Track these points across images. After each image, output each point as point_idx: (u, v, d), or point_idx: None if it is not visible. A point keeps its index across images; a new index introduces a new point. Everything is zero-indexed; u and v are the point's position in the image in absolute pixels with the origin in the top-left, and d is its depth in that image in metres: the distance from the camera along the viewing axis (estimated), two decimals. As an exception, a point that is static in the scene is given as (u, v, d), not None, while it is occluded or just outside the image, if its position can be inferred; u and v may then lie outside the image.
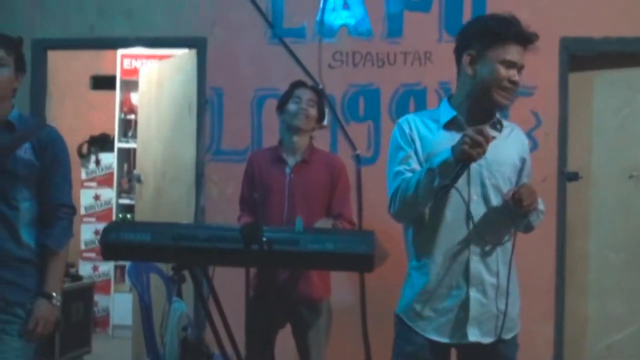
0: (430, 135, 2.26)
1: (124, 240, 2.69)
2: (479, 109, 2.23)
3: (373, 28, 4.40)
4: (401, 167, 2.24)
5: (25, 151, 2.51)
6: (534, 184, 4.09)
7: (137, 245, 2.68)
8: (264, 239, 2.55)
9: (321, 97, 3.37)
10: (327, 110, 3.89)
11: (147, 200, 5.14)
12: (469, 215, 2.19)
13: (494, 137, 2.09)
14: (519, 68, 2.19)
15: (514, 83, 2.17)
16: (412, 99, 4.34)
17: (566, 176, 4.36)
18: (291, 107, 3.20)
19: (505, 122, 2.34)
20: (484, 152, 2.03)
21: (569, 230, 4.31)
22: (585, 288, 4.33)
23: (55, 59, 4.90)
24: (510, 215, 2.20)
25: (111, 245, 2.70)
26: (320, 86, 4.22)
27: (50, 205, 2.57)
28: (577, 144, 4.39)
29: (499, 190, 2.21)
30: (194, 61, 4.54)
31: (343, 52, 4.42)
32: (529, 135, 4.32)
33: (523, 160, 2.32)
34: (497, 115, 2.29)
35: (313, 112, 3.21)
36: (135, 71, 6.31)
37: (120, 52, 6.49)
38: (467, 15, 4.33)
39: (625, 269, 4.28)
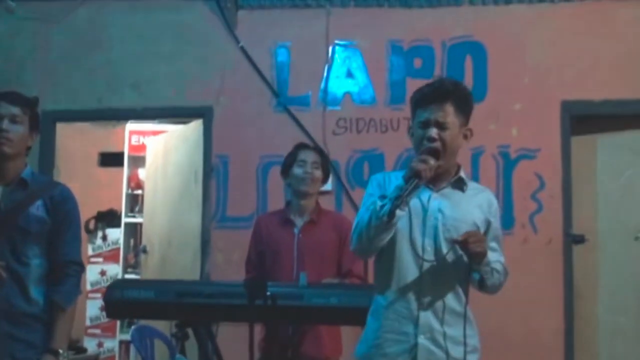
0: None
1: (128, 298, 2.75)
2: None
3: (376, 95, 4.51)
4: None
5: (37, 208, 2.53)
6: (539, 246, 4.32)
7: (142, 302, 2.74)
8: (268, 294, 2.57)
9: (324, 157, 3.39)
10: (331, 176, 3.98)
11: (153, 270, 5.13)
12: (421, 266, 2.21)
13: (439, 166, 2.15)
14: (439, 125, 2.19)
15: (431, 139, 2.18)
16: None
17: (572, 238, 4.36)
18: (296, 171, 3.22)
19: (474, 184, 2.36)
20: (430, 170, 2.10)
21: (576, 294, 4.29)
22: (596, 354, 4.28)
23: (65, 136, 4.98)
24: (464, 267, 2.21)
25: (115, 302, 2.77)
26: (326, 152, 4.13)
27: (59, 262, 2.57)
28: (582, 206, 4.41)
29: (452, 245, 2.20)
30: (200, 130, 4.64)
31: (347, 118, 4.52)
32: (532, 197, 4.38)
33: (487, 223, 2.28)
34: (462, 174, 2.29)
35: (318, 174, 3.24)
36: (143, 147, 6.26)
37: (129, 128, 6.56)
38: (468, 81, 4.43)
39: (636, 335, 4.22)
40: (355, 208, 4.34)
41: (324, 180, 3.32)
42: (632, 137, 4.42)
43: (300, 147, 3.35)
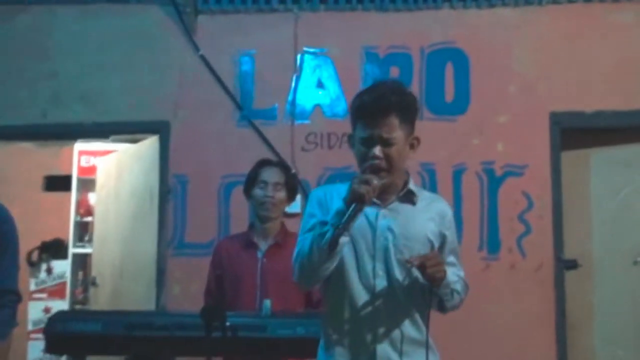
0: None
1: (72, 331, 2.73)
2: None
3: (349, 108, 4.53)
4: (307, 234, 2.22)
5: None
6: (528, 272, 4.37)
7: (87, 336, 2.72)
8: (228, 324, 2.59)
9: (291, 175, 3.42)
10: (300, 196, 4.04)
11: (104, 305, 5.14)
12: (373, 293, 2.20)
13: (382, 183, 2.14)
14: (383, 141, 2.17)
15: (374, 158, 2.17)
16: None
17: (564, 264, 4.41)
18: (257, 193, 3.25)
19: (424, 193, 2.35)
20: (374, 192, 2.09)
21: (569, 325, 4.32)
22: (593, 389, 4.31)
23: (5, 155, 4.97)
24: (421, 291, 2.22)
25: (58, 336, 2.74)
26: (293, 171, 4.31)
27: (-6, 291, 2.56)
28: (574, 228, 4.47)
29: (405, 267, 2.21)
30: (155, 148, 4.67)
31: (317, 133, 4.59)
32: (520, 218, 4.46)
33: (442, 236, 2.30)
34: (411, 186, 2.29)
35: (281, 196, 3.25)
36: (92, 169, 6.19)
37: (77, 147, 6.51)
38: (449, 92, 4.55)
39: (635, 368, 4.28)
40: None
41: (290, 199, 3.34)
42: (627, 152, 4.49)
43: (261, 164, 3.35)
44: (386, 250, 2.22)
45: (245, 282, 3.17)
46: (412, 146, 2.26)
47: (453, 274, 2.27)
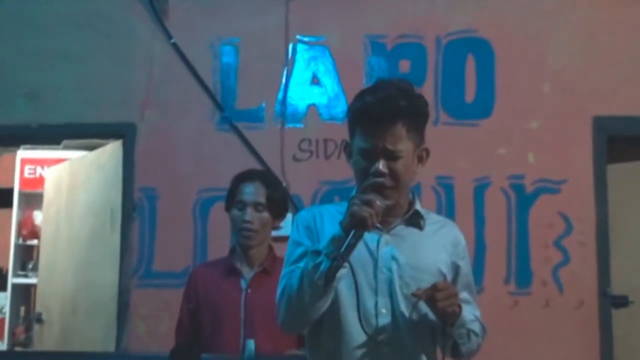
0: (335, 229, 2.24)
1: None
2: None
3: None
4: (293, 267, 2.23)
5: None
6: (566, 310, 4.32)
7: None
8: None
9: (277, 189, 3.39)
10: (291, 215, 3.86)
11: (50, 347, 5.05)
12: (375, 336, 2.21)
13: (387, 205, 2.11)
14: (389, 154, 2.17)
15: (378, 174, 2.16)
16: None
17: (611, 300, 4.38)
18: (234, 215, 3.26)
19: (433, 217, 2.37)
20: (377, 215, 2.06)
21: None
22: None
23: None
24: (431, 332, 2.23)
25: None
26: (284, 184, 4.33)
27: None
28: (624, 257, 4.46)
29: (414, 304, 2.21)
30: (118, 156, 4.63)
31: (312, 139, 4.57)
32: (556, 244, 4.42)
33: (455, 268, 2.32)
34: (418, 207, 2.30)
35: (263, 218, 3.25)
36: (39, 181, 6.23)
37: (20, 155, 6.47)
38: (470, 91, 4.54)
39: None
40: None
41: (276, 219, 3.32)
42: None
43: (239, 179, 3.33)
44: (390, 283, 2.23)
45: (226, 317, 3.17)
46: (420, 159, 2.26)
47: (469, 313, 2.27)
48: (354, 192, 2.26)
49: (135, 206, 4.55)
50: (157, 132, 4.61)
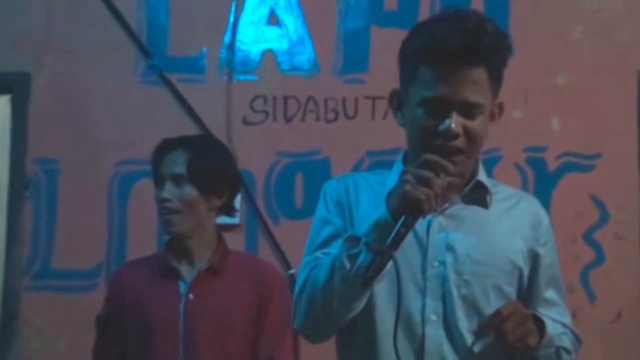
0: (375, 207, 2.19)
1: None
2: None
3: (319, 56, 4.46)
4: (319, 253, 2.24)
5: None
6: (599, 322, 4.26)
7: None
8: None
9: (204, 150, 3.30)
10: (241, 197, 4.06)
11: None
12: (422, 348, 2.18)
13: (448, 182, 2.06)
14: (466, 108, 2.14)
15: (451, 136, 2.12)
16: None
17: None
18: (155, 194, 3.25)
19: (503, 189, 2.36)
20: (437, 197, 2.00)
21: None
22: None
23: None
24: (500, 352, 2.21)
25: None
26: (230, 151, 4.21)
27: None
28: None
29: (476, 308, 2.19)
30: (6, 114, 4.51)
31: (269, 97, 4.48)
32: (587, 238, 4.33)
33: (534, 256, 2.27)
34: (481, 176, 2.28)
35: (185, 193, 3.19)
36: None
37: None
38: None
39: None
40: (281, 254, 4.35)
41: (212, 193, 3.23)
42: None
43: (159, 149, 3.29)
44: (443, 280, 2.19)
45: (160, 331, 3.15)
46: (493, 117, 2.23)
47: (555, 325, 2.24)
48: (399, 161, 2.31)
49: (28, 183, 4.44)
50: (60, 85, 4.53)
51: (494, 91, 2.18)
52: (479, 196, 2.26)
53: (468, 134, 2.12)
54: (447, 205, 2.22)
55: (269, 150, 4.42)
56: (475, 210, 2.25)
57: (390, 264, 2.01)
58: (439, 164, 2.02)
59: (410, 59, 2.17)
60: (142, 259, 3.49)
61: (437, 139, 2.11)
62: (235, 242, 4.12)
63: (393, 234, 1.98)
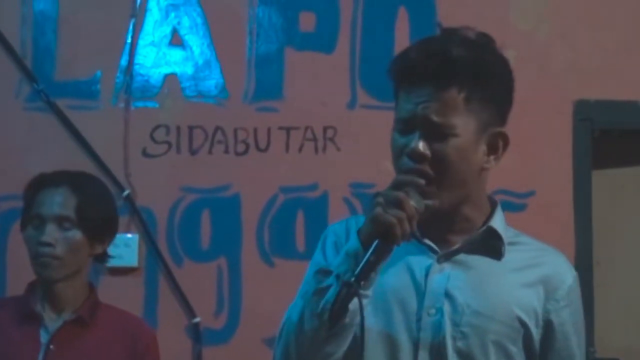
0: None
1: None
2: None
3: (228, 82, 4.37)
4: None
5: None
6: None
7: None
8: None
9: (93, 191, 3.20)
10: (139, 240, 4.11)
11: None
12: None
13: (427, 207, 2.04)
14: (430, 127, 2.10)
15: (414, 156, 2.10)
16: (300, 214, 4.30)
17: None
18: (29, 234, 3.11)
19: (524, 240, 2.29)
20: (411, 220, 1.98)
21: None
22: None
23: None
24: None
25: None
26: (127, 192, 4.25)
27: None
28: (613, 304, 4.41)
29: None
30: None
31: (172, 126, 4.39)
32: None
33: (548, 320, 2.19)
34: (495, 222, 2.22)
35: (72, 238, 3.08)
36: None
37: None
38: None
39: None
40: (185, 301, 4.25)
41: (97, 240, 3.15)
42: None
43: (36, 185, 3.18)
44: (438, 330, 2.14)
45: None
46: (492, 149, 2.18)
47: None
48: None
49: None
50: None
51: (480, 117, 2.11)
52: (490, 245, 2.20)
53: (437, 157, 2.07)
54: (454, 249, 2.18)
55: (172, 186, 4.34)
56: (484, 260, 2.20)
57: (367, 298, 2.00)
58: (407, 181, 2.01)
59: (393, 85, 2.19)
60: (3, 300, 3.48)
61: (404, 158, 2.09)
62: (133, 287, 4.18)
63: (362, 263, 1.94)
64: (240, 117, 4.32)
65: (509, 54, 4.08)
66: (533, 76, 4.37)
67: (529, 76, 4.30)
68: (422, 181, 2.05)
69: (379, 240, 1.98)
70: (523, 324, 2.15)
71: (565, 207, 4.34)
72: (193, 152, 4.34)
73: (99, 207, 3.15)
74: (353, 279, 1.95)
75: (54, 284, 3.08)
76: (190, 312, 4.16)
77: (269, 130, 4.29)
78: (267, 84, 4.35)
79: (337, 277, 2.00)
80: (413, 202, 2.00)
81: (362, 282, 1.97)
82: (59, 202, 3.07)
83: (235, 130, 4.31)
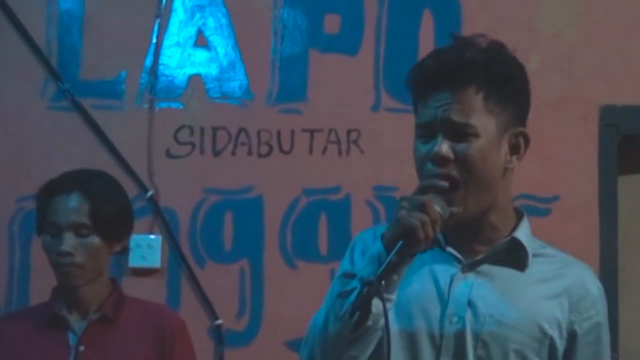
0: None
1: None
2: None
3: (252, 83, 4.38)
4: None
5: None
6: None
7: None
8: None
9: (105, 193, 3.20)
10: (162, 240, 4.16)
11: None
12: None
13: (453, 213, 2.07)
14: (453, 129, 2.15)
15: (437, 160, 2.14)
16: (323, 215, 4.30)
17: None
18: (46, 244, 3.13)
19: (550, 252, 2.31)
20: (435, 225, 2.01)
21: None
22: None
23: None
24: None
25: None
26: (151, 192, 4.27)
27: None
28: (638, 309, 4.37)
29: None
30: None
31: (195, 127, 4.40)
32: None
33: (572, 331, 2.21)
34: (520, 233, 2.24)
35: (90, 244, 3.10)
36: None
37: None
38: None
39: None
40: (207, 303, 4.27)
41: (116, 240, 3.17)
42: None
43: (48, 190, 3.17)
44: (460, 338, 2.17)
45: None
46: (515, 148, 2.22)
47: None
48: None
49: None
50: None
51: (500, 116, 2.16)
52: (514, 257, 2.23)
53: (460, 159, 2.10)
54: (478, 259, 2.21)
55: (195, 187, 4.35)
56: (507, 271, 2.22)
57: (391, 302, 2.03)
58: (432, 184, 2.06)
59: (411, 96, 2.23)
60: (22, 311, 3.51)
61: (428, 164, 2.12)
62: (156, 288, 4.19)
63: (384, 264, 1.97)
64: (263, 118, 4.33)
65: (534, 59, 4.26)
66: (559, 81, 4.36)
67: (554, 81, 4.34)
68: (445, 183, 2.08)
69: (403, 242, 2.01)
70: (546, 335, 2.17)
71: (590, 212, 4.29)
72: (216, 153, 4.36)
73: (113, 208, 3.16)
74: (376, 279, 1.97)
75: (77, 289, 3.11)
76: (213, 313, 4.18)
77: (292, 132, 4.31)
78: (291, 85, 4.36)
79: (361, 279, 2.03)
80: (438, 208, 2.03)
81: (383, 281, 1.99)
82: (73, 209, 3.08)
83: (259, 132, 4.33)
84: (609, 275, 4.21)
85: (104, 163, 4.09)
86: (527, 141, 2.23)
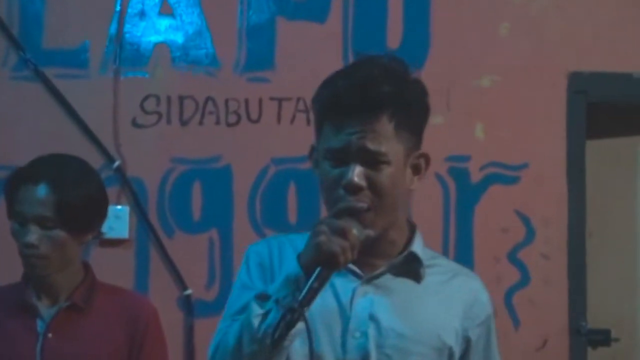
0: None
1: None
2: None
3: (219, 52, 4.38)
4: (236, 319, 2.23)
5: None
6: (524, 350, 4.30)
7: None
8: None
9: (74, 182, 3.12)
10: (129, 211, 4.15)
11: None
12: None
13: (368, 237, 2.11)
14: (368, 157, 2.16)
15: (351, 188, 2.15)
16: (292, 185, 4.33)
17: (586, 337, 4.32)
18: (14, 230, 3.09)
19: (441, 262, 2.40)
20: (353, 249, 2.05)
21: None
22: None
23: None
24: None
25: None
26: (118, 163, 4.26)
27: None
28: (605, 276, 4.46)
29: None
30: None
31: (162, 96, 4.40)
32: (511, 257, 4.38)
33: (466, 337, 2.30)
34: (415, 247, 2.29)
35: (55, 237, 3.04)
36: None
37: None
38: (393, 32, 4.43)
39: None
40: (176, 272, 4.25)
41: (84, 231, 3.12)
42: None
43: (16, 178, 3.13)
44: (363, 353, 2.21)
45: None
46: (416, 169, 2.26)
47: None
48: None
49: None
50: None
51: (407, 142, 2.19)
52: (411, 269, 2.27)
53: (372, 186, 2.13)
54: (376, 273, 2.24)
55: (162, 157, 4.35)
56: (405, 283, 2.27)
57: (302, 322, 2.05)
58: (353, 208, 2.08)
59: (317, 114, 2.25)
60: None
61: (340, 190, 2.13)
62: (124, 259, 4.22)
63: (306, 289, 2.01)
64: (231, 87, 4.34)
65: (504, 26, 4.35)
66: (527, 48, 4.45)
67: (523, 48, 4.44)
68: (364, 204, 2.12)
69: (322, 267, 2.04)
70: (445, 344, 2.24)
71: (558, 178, 4.39)
72: (184, 122, 4.36)
73: (81, 201, 3.10)
74: (297, 305, 2.01)
75: (45, 277, 3.10)
76: (182, 284, 4.20)
77: (260, 100, 4.31)
78: (259, 54, 4.36)
79: (277, 301, 2.05)
80: (355, 232, 2.07)
81: (306, 308, 2.03)
82: (39, 201, 3.03)
83: (227, 101, 4.33)
84: (577, 241, 4.34)
85: (69, 134, 4.16)
86: (427, 162, 2.27)
